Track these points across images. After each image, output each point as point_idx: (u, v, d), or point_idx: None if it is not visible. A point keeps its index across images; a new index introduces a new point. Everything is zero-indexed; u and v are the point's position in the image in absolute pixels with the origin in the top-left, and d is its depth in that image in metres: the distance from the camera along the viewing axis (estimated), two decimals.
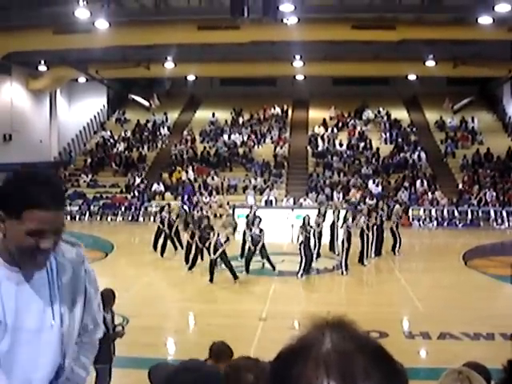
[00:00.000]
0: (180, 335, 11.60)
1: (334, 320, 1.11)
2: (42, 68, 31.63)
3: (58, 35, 23.22)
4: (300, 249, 15.88)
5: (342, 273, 16.09)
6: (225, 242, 15.13)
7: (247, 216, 19.55)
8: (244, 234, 18.61)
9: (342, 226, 17.81)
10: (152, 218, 27.58)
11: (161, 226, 19.79)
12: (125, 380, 8.56)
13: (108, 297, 7.67)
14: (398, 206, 22.77)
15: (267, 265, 16.74)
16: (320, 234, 18.24)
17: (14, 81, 31.79)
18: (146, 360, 9.29)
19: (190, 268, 16.59)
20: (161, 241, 19.48)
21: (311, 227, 16.75)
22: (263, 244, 16.27)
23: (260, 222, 16.46)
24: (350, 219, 17.22)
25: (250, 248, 16.46)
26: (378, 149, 33.84)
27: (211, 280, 15.06)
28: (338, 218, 19.47)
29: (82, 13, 20.34)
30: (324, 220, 19.48)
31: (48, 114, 35.49)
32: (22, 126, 31.99)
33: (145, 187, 31.17)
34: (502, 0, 18.76)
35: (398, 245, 19.56)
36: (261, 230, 16.22)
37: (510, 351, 9.52)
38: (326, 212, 21.56)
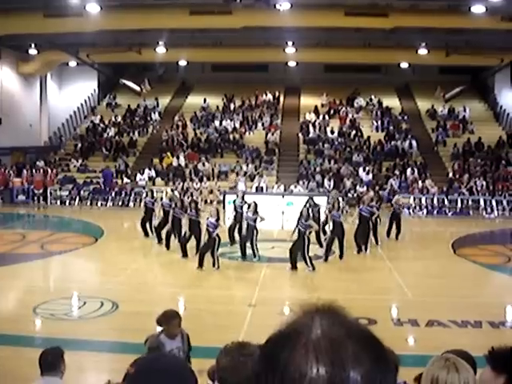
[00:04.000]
0: None
1: (323, 306, 1.11)
2: (33, 51, 31.38)
3: (48, 18, 23.03)
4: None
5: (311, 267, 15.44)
6: (216, 220, 15.08)
7: (234, 201, 19.60)
8: (234, 219, 18.66)
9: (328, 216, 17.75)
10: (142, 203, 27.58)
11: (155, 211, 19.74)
12: (115, 365, 8.57)
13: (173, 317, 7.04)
14: (397, 196, 22.73)
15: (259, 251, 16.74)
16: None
17: (3, 64, 31.50)
18: (136, 345, 9.30)
19: (184, 256, 16.55)
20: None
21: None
22: (256, 229, 16.29)
23: (256, 207, 16.38)
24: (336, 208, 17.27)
25: (244, 233, 16.50)
26: (369, 136, 33.85)
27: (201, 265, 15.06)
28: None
29: None
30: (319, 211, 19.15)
31: (38, 98, 35.24)
32: (12, 109, 31.75)
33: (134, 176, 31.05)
34: None
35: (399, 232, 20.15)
36: (255, 213, 16.22)
37: (497, 339, 9.61)
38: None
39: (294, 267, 15.14)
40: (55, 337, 9.42)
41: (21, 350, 9.11)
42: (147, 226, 19.78)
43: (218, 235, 15.13)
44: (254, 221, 16.16)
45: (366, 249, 17.88)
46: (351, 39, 28.42)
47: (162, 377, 1.71)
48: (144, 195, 20.88)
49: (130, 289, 13.47)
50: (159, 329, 6.67)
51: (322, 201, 21.39)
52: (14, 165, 30.96)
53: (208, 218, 15.16)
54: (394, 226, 20.15)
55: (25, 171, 30.20)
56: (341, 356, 1.01)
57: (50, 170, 30.68)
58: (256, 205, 16.44)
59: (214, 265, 15.03)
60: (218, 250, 15.23)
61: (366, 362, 1.02)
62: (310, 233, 15.45)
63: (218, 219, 15.24)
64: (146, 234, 19.83)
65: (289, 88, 38.53)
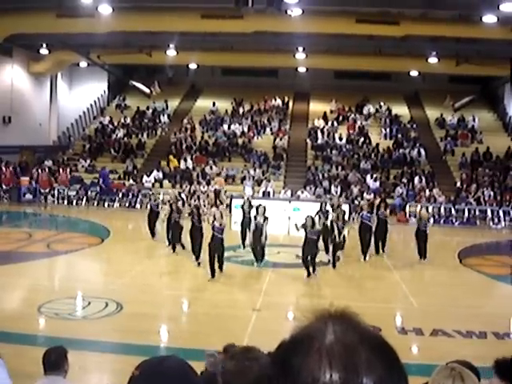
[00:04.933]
0: (174, 323, 11.63)
1: (336, 311, 1.11)
2: (44, 51, 31.51)
3: (60, 19, 23.12)
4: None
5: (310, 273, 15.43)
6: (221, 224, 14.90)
7: (242, 206, 19.60)
8: (242, 223, 18.63)
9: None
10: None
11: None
12: (118, 366, 8.59)
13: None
14: (424, 211, 21.36)
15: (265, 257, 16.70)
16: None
17: (15, 63, 31.65)
18: (139, 346, 9.34)
19: (197, 259, 16.25)
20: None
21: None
22: (266, 233, 16.08)
23: (265, 210, 16.19)
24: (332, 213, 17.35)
25: (255, 237, 16.13)
26: (377, 144, 33.80)
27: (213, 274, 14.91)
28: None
29: None
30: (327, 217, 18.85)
31: (48, 97, 35.39)
32: (22, 108, 31.90)
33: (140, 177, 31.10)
34: None
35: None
36: (265, 219, 16.01)
37: (501, 350, 9.56)
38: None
39: (309, 274, 15.00)
40: (59, 336, 9.44)
41: (25, 348, 9.12)
42: (156, 226, 19.90)
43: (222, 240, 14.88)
44: (263, 225, 15.96)
45: (365, 257, 17.66)
46: (362, 46, 28.41)
47: (167, 379, 1.72)
48: (148, 199, 21.05)
49: (135, 290, 13.49)
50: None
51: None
52: (17, 164, 30.91)
53: (214, 223, 14.99)
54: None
55: (34, 170, 30.30)
56: (354, 362, 1.01)
57: (61, 170, 30.79)
58: (265, 208, 16.29)
59: (220, 268, 14.95)
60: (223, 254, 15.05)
61: (379, 368, 1.02)
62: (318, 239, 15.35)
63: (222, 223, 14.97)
64: (153, 235, 19.93)
65: (298, 94, 38.55)
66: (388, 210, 20.00)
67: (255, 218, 16.29)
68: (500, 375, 2.69)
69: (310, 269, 14.93)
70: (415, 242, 18.12)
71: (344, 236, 16.84)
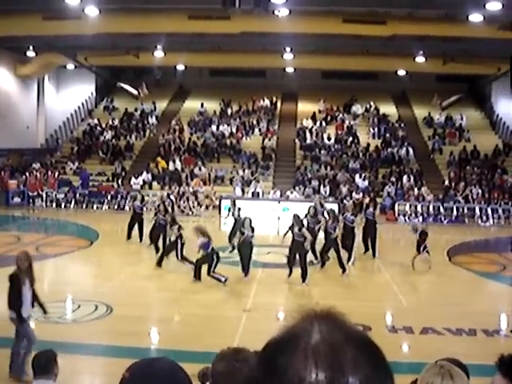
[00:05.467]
0: (164, 325, 11.60)
1: (322, 311, 1.11)
2: (31, 53, 31.38)
3: (47, 21, 23.03)
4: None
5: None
6: (207, 238, 14.49)
7: (229, 209, 19.58)
8: (233, 228, 18.39)
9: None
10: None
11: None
12: (108, 368, 8.56)
13: None
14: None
15: (254, 257, 16.62)
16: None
17: (1, 66, 31.46)
18: (129, 349, 9.30)
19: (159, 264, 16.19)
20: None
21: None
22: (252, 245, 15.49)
23: (251, 222, 15.48)
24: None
25: (243, 251, 15.42)
26: (366, 143, 33.92)
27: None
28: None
29: None
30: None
31: (35, 100, 35.22)
32: (9, 111, 31.71)
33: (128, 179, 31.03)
34: None
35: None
36: (253, 230, 15.33)
37: (491, 347, 9.62)
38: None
39: (290, 274, 14.91)
40: (49, 340, 9.38)
41: None
42: (144, 230, 19.70)
43: (217, 253, 14.51)
44: (252, 237, 15.37)
45: (349, 259, 16.76)
46: (349, 46, 28.47)
47: (157, 381, 1.71)
48: (133, 200, 20.68)
49: (125, 292, 13.44)
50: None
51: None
52: (4, 167, 30.61)
53: (198, 240, 14.53)
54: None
55: (27, 174, 30.13)
56: (340, 361, 1.01)
57: (50, 172, 30.64)
58: (250, 221, 15.48)
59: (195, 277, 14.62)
60: (215, 268, 14.43)
61: (365, 367, 1.02)
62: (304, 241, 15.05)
63: (207, 237, 14.55)
64: (129, 237, 19.89)
65: (286, 94, 38.59)
66: (378, 210, 19.77)
67: (241, 231, 15.50)
68: (503, 372, 2.69)
69: (299, 272, 14.70)
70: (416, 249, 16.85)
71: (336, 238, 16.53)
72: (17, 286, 8.52)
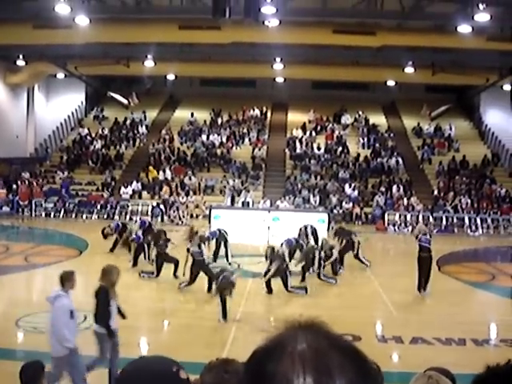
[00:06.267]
0: (153, 335, 11.55)
1: (306, 321, 1.13)
2: (21, 62, 31.28)
3: (37, 30, 22.99)
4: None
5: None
6: (199, 246, 14.55)
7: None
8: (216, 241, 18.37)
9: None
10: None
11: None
12: (97, 379, 8.49)
13: None
14: (420, 224, 20.30)
15: (243, 267, 16.63)
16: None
17: None
18: (119, 359, 9.23)
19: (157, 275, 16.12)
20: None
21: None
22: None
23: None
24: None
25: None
26: (355, 153, 34.02)
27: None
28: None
29: (62, 8, 20.24)
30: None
31: (25, 109, 35.11)
32: None
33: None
34: (482, 10, 18.98)
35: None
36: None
37: (480, 357, 9.63)
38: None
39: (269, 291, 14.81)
40: (38, 350, 9.31)
41: (2, 363, 9.00)
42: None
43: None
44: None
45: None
46: (339, 57, 28.62)
47: (151, 380, 1.69)
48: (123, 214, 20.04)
49: None
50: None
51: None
52: None
53: (191, 248, 14.58)
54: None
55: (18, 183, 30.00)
56: (327, 365, 1.03)
57: (35, 183, 30.48)
58: (234, 270, 14.75)
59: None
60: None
61: (350, 371, 1.05)
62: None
63: (198, 245, 14.52)
64: (113, 250, 19.54)
65: (276, 104, 38.68)
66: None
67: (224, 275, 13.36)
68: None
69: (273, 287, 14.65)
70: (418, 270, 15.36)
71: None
72: (105, 299, 8.60)
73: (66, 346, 7.55)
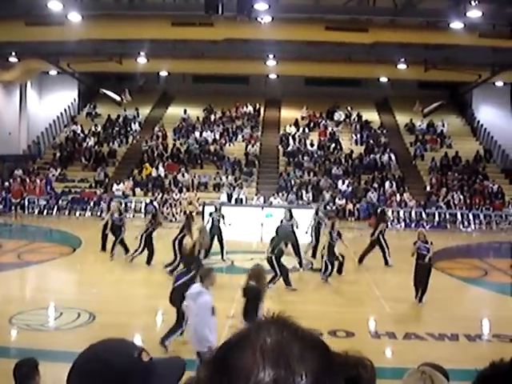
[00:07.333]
0: (147, 332, 11.54)
1: (271, 316, 1.16)
2: (13, 59, 31.11)
3: (30, 27, 22.88)
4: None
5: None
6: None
7: (210, 213, 19.64)
8: (210, 232, 18.37)
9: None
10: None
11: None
12: None
13: None
14: (421, 229, 20.89)
15: (237, 263, 16.65)
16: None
17: None
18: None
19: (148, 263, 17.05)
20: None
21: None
22: None
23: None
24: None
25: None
26: (348, 150, 34.07)
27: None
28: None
29: (54, 5, 20.18)
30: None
31: (18, 106, 34.97)
32: None
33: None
34: (474, 6, 19.03)
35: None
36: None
37: (473, 352, 9.70)
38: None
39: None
40: (31, 348, 9.31)
41: None
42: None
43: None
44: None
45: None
46: (332, 53, 28.60)
47: (111, 373, 1.60)
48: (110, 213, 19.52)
49: (108, 300, 13.37)
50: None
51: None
52: None
53: None
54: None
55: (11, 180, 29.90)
56: (287, 355, 1.05)
57: (38, 180, 30.30)
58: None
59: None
60: None
61: (312, 362, 1.07)
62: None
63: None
64: (104, 248, 19.06)
65: (269, 100, 38.69)
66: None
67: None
68: None
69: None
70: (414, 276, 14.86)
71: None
72: (257, 301, 8.86)
73: (206, 346, 7.87)
